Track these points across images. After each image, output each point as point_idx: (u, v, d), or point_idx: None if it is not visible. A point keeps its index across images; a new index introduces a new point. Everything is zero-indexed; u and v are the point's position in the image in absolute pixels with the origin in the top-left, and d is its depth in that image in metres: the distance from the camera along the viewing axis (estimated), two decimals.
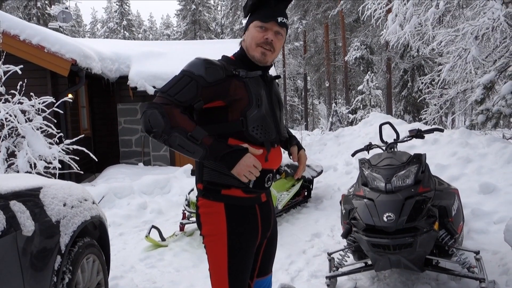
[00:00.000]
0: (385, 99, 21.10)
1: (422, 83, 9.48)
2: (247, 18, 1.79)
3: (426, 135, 3.51)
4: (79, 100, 9.30)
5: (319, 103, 41.18)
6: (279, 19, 1.71)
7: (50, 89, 7.64)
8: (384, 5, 8.13)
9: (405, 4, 6.91)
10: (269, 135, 1.71)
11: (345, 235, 3.07)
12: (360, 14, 9.33)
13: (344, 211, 3.24)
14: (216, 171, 1.68)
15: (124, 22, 48.60)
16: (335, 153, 8.53)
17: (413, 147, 6.56)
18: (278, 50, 1.76)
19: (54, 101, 6.17)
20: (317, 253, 4.14)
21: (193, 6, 40.60)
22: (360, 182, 3.11)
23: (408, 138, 3.43)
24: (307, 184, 6.24)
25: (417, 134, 3.35)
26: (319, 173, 6.29)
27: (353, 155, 3.79)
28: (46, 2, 30.45)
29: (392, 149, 3.31)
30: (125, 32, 48.29)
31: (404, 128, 7.30)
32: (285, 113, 36.20)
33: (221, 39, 33.21)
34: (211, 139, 1.55)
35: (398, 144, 3.42)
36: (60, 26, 16.99)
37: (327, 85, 26.90)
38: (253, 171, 1.58)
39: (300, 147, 1.99)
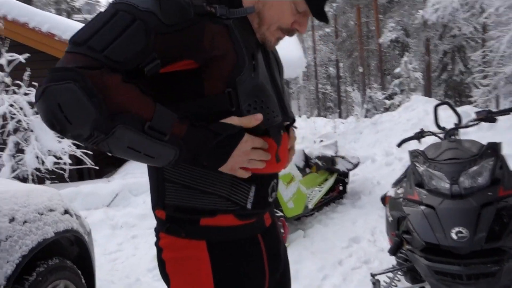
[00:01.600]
0: (425, 83, 19.80)
1: (470, 60, 8.46)
2: None
3: (498, 117, 2.69)
4: None
5: (353, 90, 39.77)
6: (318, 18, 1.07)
7: None
8: None
9: None
10: (274, 116, 1.03)
11: (393, 252, 2.34)
12: None
13: (391, 219, 2.50)
14: (191, 189, 1.00)
15: None
16: (372, 142, 7.70)
17: (465, 134, 5.66)
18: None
19: None
20: (357, 264, 3.42)
21: None
22: (413, 181, 2.36)
23: (474, 122, 2.63)
24: (342, 177, 5.50)
25: (488, 116, 2.54)
26: (356, 165, 5.55)
27: (399, 144, 3.02)
28: None
29: (454, 137, 2.54)
30: None
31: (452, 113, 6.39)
32: (317, 106, 35.22)
33: None
34: (184, 125, 0.89)
35: (460, 130, 2.64)
36: (85, 18, 16.78)
37: (361, 70, 25.71)
38: (257, 156, 0.97)
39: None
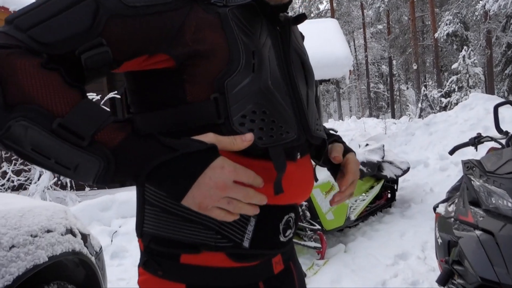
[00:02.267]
0: (486, 79, 18.45)
1: None
2: None
3: None
4: None
5: (407, 88, 38.30)
6: None
7: (105, 86, 7.27)
8: None
9: None
10: (281, 132, 0.78)
11: (442, 282, 1.94)
12: None
13: (440, 241, 2.11)
14: (170, 214, 0.77)
15: None
16: (425, 144, 7.11)
17: None
18: None
19: (99, 98, 5.68)
20: (403, 285, 3.03)
21: None
22: (467, 198, 1.96)
23: None
24: (390, 184, 5.06)
25: None
26: (405, 171, 5.09)
27: (452, 152, 2.60)
28: None
29: None
30: None
31: None
32: (368, 106, 34.23)
33: None
34: (123, 132, 0.66)
35: None
36: None
37: (415, 67, 24.53)
38: (242, 196, 0.69)
39: (347, 148, 1.01)
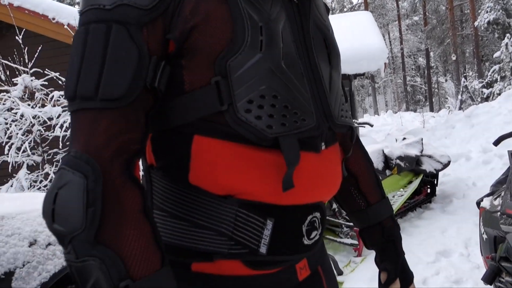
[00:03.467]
0: None
1: None
2: None
3: None
4: None
5: (446, 80, 37.01)
6: None
7: None
8: None
9: None
10: (295, 119, 0.69)
11: (489, 280, 1.83)
12: None
13: (485, 237, 2.00)
14: (177, 219, 0.71)
15: None
16: (466, 137, 6.83)
17: None
18: None
19: None
20: (445, 285, 2.91)
21: None
22: None
23: None
24: (430, 179, 4.88)
25: None
26: (446, 165, 4.90)
27: (496, 142, 2.47)
28: None
29: None
30: None
31: None
32: (405, 99, 33.38)
33: None
34: None
35: None
36: None
37: (454, 58, 23.64)
38: None
39: (406, 274, 0.96)
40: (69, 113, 0.65)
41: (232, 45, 0.64)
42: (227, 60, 0.64)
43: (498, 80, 14.42)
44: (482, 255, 2.13)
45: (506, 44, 14.12)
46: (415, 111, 28.44)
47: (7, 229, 1.56)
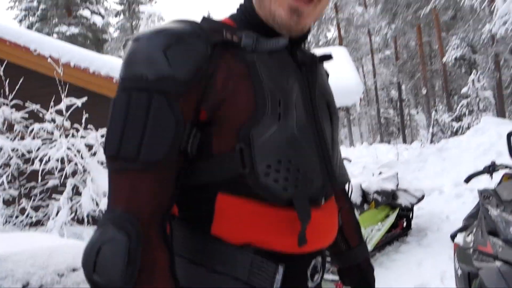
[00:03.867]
0: (496, 102, 18.39)
1: None
2: None
3: None
4: None
5: (417, 112, 38.21)
6: None
7: None
8: None
9: None
10: (306, 182, 0.78)
11: None
12: (458, 9, 7.90)
13: (460, 273, 2.11)
14: (196, 265, 0.78)
15: None
16: (439, 171, 7.08)
17: None
18: (326, 1, 0.84)
19: None
20: None
21: None
22: (485, 228, 1.97)
23: None
24: (405, 213, 5.02)
25: None
26: (420, 199, 5.07)
27: (467, 180, 2.61)
28: None
29: None
30: None
31: None
32: (379, 131, 34.19)
33: None
34: None
35: None
36: None
37: (424, 92, 24.58)
38: None
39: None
40: (108, 170, 0.73)
41: (254, 116, 0.74)
42: (250, 129, 0.73)
43: (467, 114, 15.08)
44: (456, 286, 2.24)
45: (473, 80, 14.85)
46: (389, 142, 29.13)
47: (0, 271, 1.58)
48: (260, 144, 0.73)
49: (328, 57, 0.93)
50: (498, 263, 1.75)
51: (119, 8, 33.65)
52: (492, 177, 2.52)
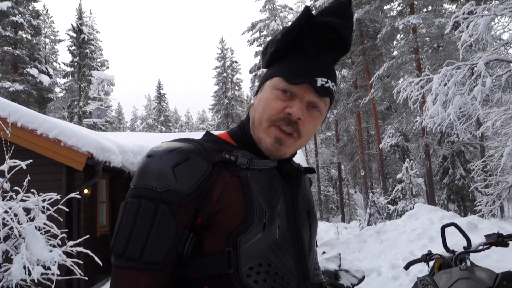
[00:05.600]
0: (427, 188, 19.77)
1: (468, 170, 8.48)
2: (266, 69, 1.05)
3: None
4: (98, 195, 8.79)
5: (355, 192, 39.82)
6: (320, 81, 0.94)
7: (64, 184, 7.19)
8: (420, 88, 7.52)
9: (445, 84, 6.26)
10: (282, 283, 0.90)
11: None
12: (394, 99, 8.77)
13: None
14: None
15: (162, 118, 50.76)
16: (377, 252, 7.38)
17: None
18: (309, 135, 0.98)
19: (59, 198, 5.60)
20: None
21: (226, 101, 42.04)
22: None
23: (484, 247, 2.48)
24: None
25: (498, 240, 2.40)
26: (361, 280, 5.22)
27: (406, 267, 2.83)
28: (88, 101, 32.23)
29: (464, 263, 2.37)
30: (162, 127, 50.26)
31: (458, 223, 6.21)
32: (319, 208, 35.01)
33: None
34: None
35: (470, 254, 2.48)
36: (94, 122, 17.42)
37: (362, 174, 25.91)
38: None
39: None
40: (113, 265, 0.85)
41: (243, 225, 0.87)
42: (238, 236, 0.86)
43: (401, 198, 16.04)
44: None
45: (407, 168, 16.01)
46: (328, 219, 29.79)
47: None
48: (246, 249, 0.86)
49: (311, 170, 1.10)
50: None
51: (68, 69, 33.50)
52: (428, 265, 2.75)
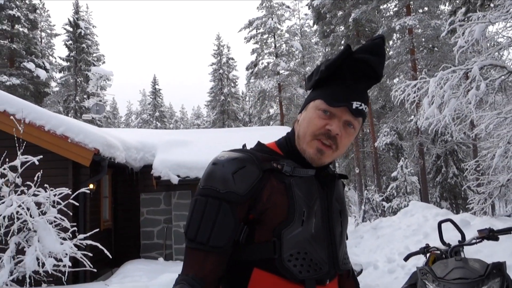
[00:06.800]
0: (420, 186, 20.14)
1: (461, 169, 8.77)
2: (310, 91, 1.25)
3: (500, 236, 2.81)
4: (102, 190, 9.00)
5: (349, 189, 40.13)
6: (355, 104, 1.14)
7: (71, 180, 7.38)
8: (417, 90, 7.79)
9: (441, 87, 6.53)
10: (316, 268, 1.12)
11: None
12: (391, 100, 9.04)
13: None
14: None
15: (157, 114, 50.75)
16: (373, 247, 7.67)
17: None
18: (344, 148, 1.19)
19: (70, 192, 5.81)
20: None
21: (222, 97, 42.18)
22: None
23: (477, 240, 2.75)
24: None
25: (490, 235, 2.67)
26: (359, 273, 5.52)
27: (406, 259, 3.09)
28: (85, 96, 32.25)
29: (458, 255, 2.63)
30: (157, 122, 50.27)
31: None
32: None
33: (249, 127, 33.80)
34: None
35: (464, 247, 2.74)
36: (93, 118, 17.56)
37: (357, 171, 26.22)
38: None
39: None
40: (186, 246, 1.10)
41: (286, 221, 1.10)
42: (281, 230, 1.10)
43: (395, 195, 16.38)
44: None
45: (401, 166, 16.35)
46: None
47: None
48: (287, 240, 1.09)
49: (344, 176, 1.33)
50: None
51: (65, 63, 33.46)
52: (426, 257, 3.01)
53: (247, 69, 35.02)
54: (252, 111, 42.68)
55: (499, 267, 2.32)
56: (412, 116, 16.43)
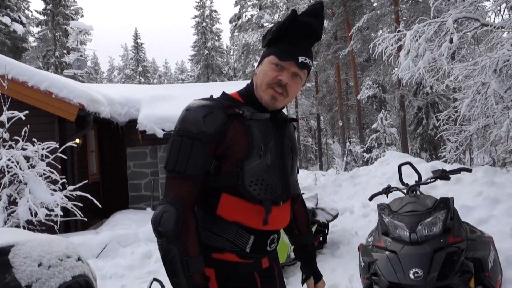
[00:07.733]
0: (400, 137, 20.71)
1: (438, 120, 9.16)
2: (265, 49, 1.48)
3: (451, 176, 3.15)
4: (88, 145, 9.18)
5: (333, 142, 40.89)
6: (300, 59, 1.39)
7: (57, 135, 7.53)
8: (395, 42, 7.97)
9: (417, 40, 6.72)
10: (271, 191, 1.39)
11: None
12: (371, 53, 9.20)
13: (363, 264, 2.86)
14: (207, 231, 1.40)
15: (140, 69, 49.93)
16: (351, 194, 8.12)
17: (434, 187, 6.15)
18: (293, 95, 1.43)
19: (58, 146, 6.00)
20: None
21: (206, 51, 41.57)
22: (380, 230, 2.75)
23: (431, 180, 3.08)
24: (322, 228, 5.83)
25: (442, 175, 3.00)
26: (335, 217, 5.90)
27: (370, 199, 3.44)
28: (64, 51, 31.48)
29: (414, 192, 2.96)
30: (140, 78, 49.56)
31: (423, 167, 6.91)
32: (299, 158, 35.92)
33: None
34: (203, 280, 1.28)
35: (420, 186, 3.08)
36: (74, 73, 17.35)
37: (341, 124, 26.70)
38: None
39: (317, 276, 1.71)
40: (166, 176, 1.35)
41: (246, 155, 1.35)
42: (243, 162, 1.35)
43: (376, 146, 16.91)
44: (360, 277, 2.98)
45: (381, 118, 16.74)
46: (307, 168, 30.86)
47: (21, 253, 1.99)
48: (248, 170, 1.35)
49: (294, 119, 1.60)
50: (387, 253, 2.50)
51: (42, 17, 32.36)
52: (388, 196, 3.35)
53: (230, 22, 34.37)
54: (236, 65, 42.26)
55: (446, 201, 2.65)
56: (395, 69, 16.66)
